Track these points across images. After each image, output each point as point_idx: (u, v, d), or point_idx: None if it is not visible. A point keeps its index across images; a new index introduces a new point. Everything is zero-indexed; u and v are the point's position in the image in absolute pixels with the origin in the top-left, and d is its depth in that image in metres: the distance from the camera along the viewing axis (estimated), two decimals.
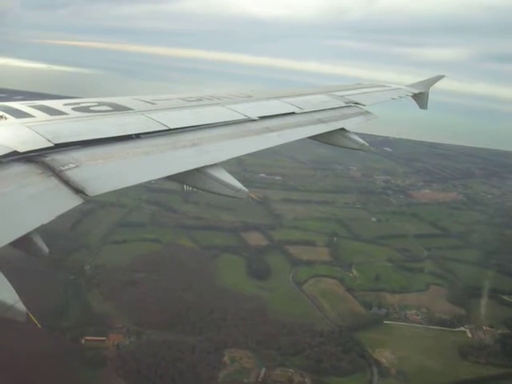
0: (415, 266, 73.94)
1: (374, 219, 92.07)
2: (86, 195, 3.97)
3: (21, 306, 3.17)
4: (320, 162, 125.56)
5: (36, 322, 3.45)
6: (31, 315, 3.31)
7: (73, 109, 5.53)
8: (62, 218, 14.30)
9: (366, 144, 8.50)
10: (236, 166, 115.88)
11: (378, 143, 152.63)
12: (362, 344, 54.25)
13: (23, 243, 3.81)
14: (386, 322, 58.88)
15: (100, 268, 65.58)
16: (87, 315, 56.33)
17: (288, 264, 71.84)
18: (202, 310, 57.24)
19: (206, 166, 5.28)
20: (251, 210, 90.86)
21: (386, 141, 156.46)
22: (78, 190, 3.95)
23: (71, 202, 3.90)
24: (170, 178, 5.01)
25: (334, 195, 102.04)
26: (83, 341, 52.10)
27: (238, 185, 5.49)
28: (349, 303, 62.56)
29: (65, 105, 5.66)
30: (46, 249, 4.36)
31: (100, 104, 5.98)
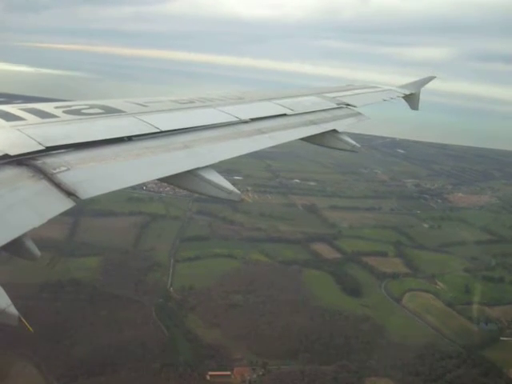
0: (492, 276, 72.77)
1: (426, 225, 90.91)
2: (78, 198, 3.89)
3: (12, 309, 3.05)
4: (343, 166, 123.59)
5: (28, 326, 3.30)
6: (23, 319, 3.17)
7: (64, 112, 5.45)
8: (121, 233, 68.45)
9: (358, 145, 8.44)
10: (265, 171, 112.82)
11: (388, 145, 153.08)
12: (495, 364, 52.23)
13: (15, 247, 3.79)
14: (502, 338, 57.21)
15: (186, 290, 60.26)
16: (198, 346, 51.26)
17: (373, 277, 69.00)
18: (321, 334, 53.46)
19: (198, 168, 5.16)
20: (304, 218, 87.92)
21: (394, 142, 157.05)
22: (69, 193, 3.86)
23: (63, 205, 3.78)
24: (162, 180, 4.95)
25: (375, 201, 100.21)
26: (208, 377, 47.18)
27: (230, 187, 5.25)
28: (456, 319, 60.43)
29: (56, 108, 5.56)
30: (37, 252, 4.32)
31: (91, 107, 5.90)
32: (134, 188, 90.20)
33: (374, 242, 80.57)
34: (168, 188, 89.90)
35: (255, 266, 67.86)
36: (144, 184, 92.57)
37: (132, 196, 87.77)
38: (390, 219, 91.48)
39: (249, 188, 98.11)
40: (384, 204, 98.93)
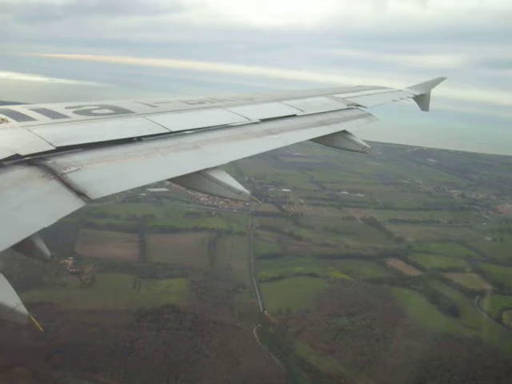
0: None
1: (488, 238, 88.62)
2: (88, 198, 3.88)
3: (22, 308, 3.05)
4: (383, 176, 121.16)
5: (38, 325, 3.29)
6: (33, 318, 3.15)
7: (74, 112, 5.41)
8: (192, 251, 67.85)
9: (368, 146, 8.22)
10: (310, 182, 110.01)
11: (418, 154, 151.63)
12: None
13: (25, 246, 3.91)
14: None
15: (283, 313, 56.63)
16: (318, 376, 47.76)
17: (462, 295, 66.10)
18: (441, 359, 50.26)
19: (208, 169, 5.08)
20: (368, 233, 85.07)
21: (423, 151, 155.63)
22: (79, 193, 3.87)
23: (73, 205, 3.78)
24: (171, 180, 4.92)
25: (429, 213, 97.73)
26: None
27: (240, 187, 5.17)
28: None
29: (66, 108, 5.51)
30: (47, 252, 4.40)
31: (101, 107, 5.83)
32: (188, 202, 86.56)
33: (446, 256, 77.87)
34: (222, 202, 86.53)
35: (343, 286, 64.50)
36: (197, 198, 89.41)
37: (188, 211, 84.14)
38: (450, 232, 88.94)
39: (301, 201, 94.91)
40: (439, 216, 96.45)
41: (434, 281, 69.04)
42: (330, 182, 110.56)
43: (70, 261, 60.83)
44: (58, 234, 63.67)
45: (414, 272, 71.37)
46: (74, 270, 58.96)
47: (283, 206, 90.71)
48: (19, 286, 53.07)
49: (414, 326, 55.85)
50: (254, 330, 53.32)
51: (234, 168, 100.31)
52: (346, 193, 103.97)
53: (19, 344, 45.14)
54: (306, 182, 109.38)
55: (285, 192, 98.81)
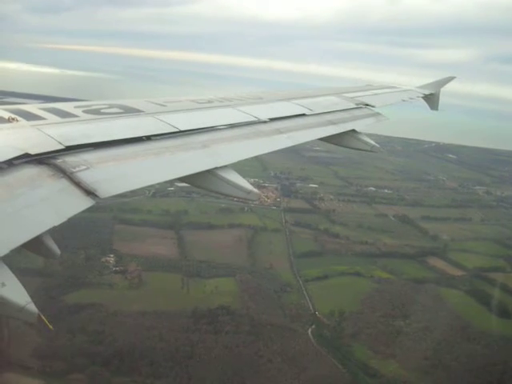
0: None
1: None
2: (98, 197, 3.87)
3: (32, 307, 3.04)
4: (406, 172, 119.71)
5: (48, 323, 3.27)
6: (43, 316, 3.09)
7: (84, 111, 5.40)
8: (232, 248, 67.42)
9: (377, 145, 8.18)
10: (335, 178, 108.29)
11: (435, 149, 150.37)
12: None
13: (35, 245, 3.89)
14: None
15: (336, 314, 55.04)
16: (383, 382, 46.20)
17: (509, 295, 64.83)
18: (506, 364, 48.71)
19: (217, 168, 5.01)
20: (403, 230, 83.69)
21: (439, 147, 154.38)
22: (89, 192, 3.86)
23: (82, 203, 3.78)
24: (181, 179, 4.84)
25: (458, 210, 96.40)
26: None
27: (249, 186, 5.11)
28: None
29: (76, 107, 5.50)
30: (57, 251, 4.37)
31: (111, 106, 5.82)
32: (218, 197, 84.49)
33: (484, 256, 76.25)
34: None
35: (390, 286, 62.88)
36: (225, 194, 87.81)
37: (221, 206, 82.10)
38: (484, 230, 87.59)
39: (331, 197, 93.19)
40: (469, 214, 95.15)
41: (478, 281, 67.56)
42: (355, 177, 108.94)
43: (111, 259, 58.77)
44: (95, 230, 61.69)
45: (457, 272, 69.90)
46: (118, 269, 56.89)
47: (314, 202, 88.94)
48: (66, 286, 51.16)
49: (471, 329, 54.40)
50: (309, 331, 51.70)
51: (259, 163, 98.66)
52: (373, 189, 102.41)
53: (75, 348, 43.31)
54: (331, 177, 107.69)
55: (312, 188, 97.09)
